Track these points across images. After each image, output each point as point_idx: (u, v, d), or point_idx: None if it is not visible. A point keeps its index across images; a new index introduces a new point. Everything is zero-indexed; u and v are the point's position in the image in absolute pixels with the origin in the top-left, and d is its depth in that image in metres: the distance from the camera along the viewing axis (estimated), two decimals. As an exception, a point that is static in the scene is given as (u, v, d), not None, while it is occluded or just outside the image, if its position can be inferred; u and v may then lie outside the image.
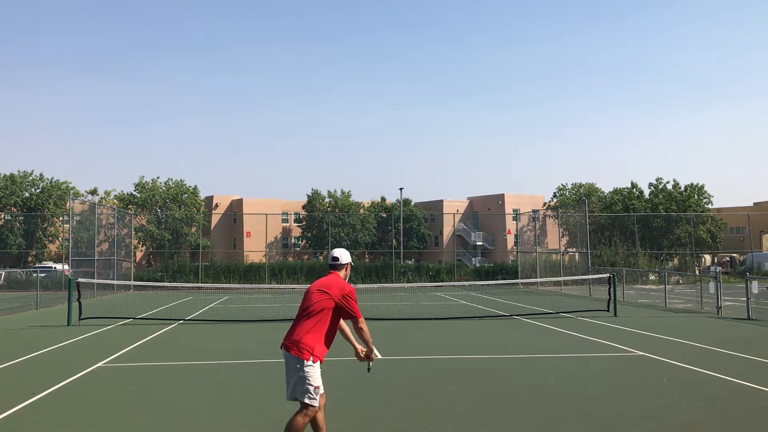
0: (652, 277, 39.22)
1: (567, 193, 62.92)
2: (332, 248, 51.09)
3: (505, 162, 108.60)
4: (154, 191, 56.35)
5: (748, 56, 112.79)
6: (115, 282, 30.50)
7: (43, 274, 33.78)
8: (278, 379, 7.99)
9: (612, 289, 19.91)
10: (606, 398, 8.24)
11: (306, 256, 58.62)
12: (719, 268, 37.65)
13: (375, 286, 30.44)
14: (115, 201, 54.60)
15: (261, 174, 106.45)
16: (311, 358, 5.22)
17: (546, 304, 24.02)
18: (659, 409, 7.60)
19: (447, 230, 65.03)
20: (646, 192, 56.67)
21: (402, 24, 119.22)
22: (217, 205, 65.29)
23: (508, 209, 63.05)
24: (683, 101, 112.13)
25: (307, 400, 5.23)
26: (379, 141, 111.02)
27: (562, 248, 47.26)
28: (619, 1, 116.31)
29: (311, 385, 5.21)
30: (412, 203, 64.99)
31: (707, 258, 51.24)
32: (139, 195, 56.19)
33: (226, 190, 75.43)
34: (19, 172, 54.30)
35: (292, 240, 65.41)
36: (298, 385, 5.23)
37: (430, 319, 18.82)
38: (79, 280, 19.64)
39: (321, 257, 52.15)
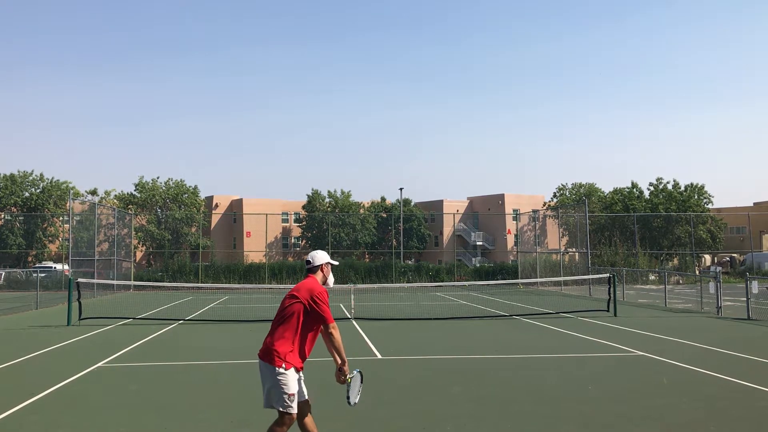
0: (652, 277, 39.22)
1: (567, 193, 62.90)
2: (332, 248, 51.19)
3: (505, 162, 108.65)
4: (154, 191, 56.34)
5: (748, 56, 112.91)
6: (115, 282, 30.51)
7: (43, 274, 33.77)
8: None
9: (612, 289, 19.91)
10: (606, 398, 8.24)
11: (306, 256, 58.53)
12: (719, 268, 37.65)
13: (375, 286, 30.41)
14: (115, 201, 54.60)
15: (261, 174, 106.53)
16: (283, 365, 5.08)
17: (546, 304, 24.02)
18: (659, 409, 7.59)
19: (447, 230, 65.02)
20: (646, 192, 56.67)
21: (402, 24, 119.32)
22: (217, 205, 65.30)
23: (508, 209, 63.04)
24: (683, 101, 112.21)
25: (282, 408, 5.10)
26: (379, 141, 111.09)
27: (562, 248, 47.24)
28: (619, 1, 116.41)
29: (285, 393, 5.08)
30: (412, 203, 64.99)
31: (707, 258, 51.24)
32: (139, 195, 56.18)
33: (226, 190, 75.43)
34: (19, 172, 54.34)
35: (292, 240, 65.39)
36: (272, 394, 5.12)
37: (430, 319, 18.82)
38: (79, 280, 19.64)
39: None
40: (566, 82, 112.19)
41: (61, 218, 53.32)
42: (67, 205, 40.24)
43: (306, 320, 5.22)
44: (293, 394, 5.12)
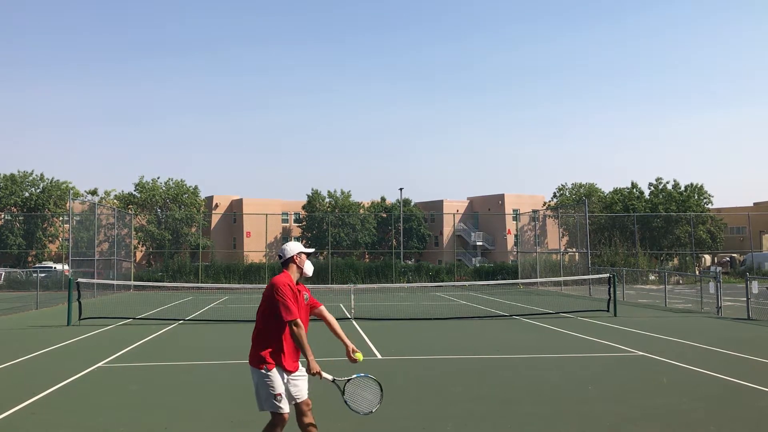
0: (652, 277, 39.22)
1: (567, 193, 62.91)
2: (332, 248, 51.19)
3: (505, 162, 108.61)
4: (154, 191, 56.35)
5: (748, 56, 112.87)
6: (115, 282, 30.52)
7: (43, 274, 33.77)
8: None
9: (612, 289, 19.91)
10: (606, 398, 8.24)
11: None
12: (719, 268, 37.67)
13: (375, 286, 30.45)
14: (115, 201, 54.60)
15: (261, 174, 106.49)
16: (265, 367, 5.09)
17: (546, 304, 24.02)
18: (659, 409, 7.59)
19: (447, 230, 65.01)
20: (646, 192, 56.69)
21: (402, 24, 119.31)
22: (217, 205, 65.30)
23: (508, 209, 63.04)
24: (683, 101, 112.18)
25: (272, 409, 5.10)
26: (379, 141, 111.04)
27: (562, 248, 47.23)
28: (619, 1, 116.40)
29: (272, 393, 5.08)
30: (412, 203, 65.00)
31: (707, 258, 51.24)
32: (139, 195, 56.19)
33: (226, 190, 75.40)
34: (19, 172, 54.38)
35: (292, 240, 65.40)
36: (260, 396, 5.14)
37: (430, 319, 18.82)
38: (79, 280, 19.64)
39: (321, 257, 52.11)
40: (566, 82, 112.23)
41: (61, 218, 53.33)
42: (67, 205, 40.23)
43: (278, 317, 5.12)
44: (280, 394, 5.07)
